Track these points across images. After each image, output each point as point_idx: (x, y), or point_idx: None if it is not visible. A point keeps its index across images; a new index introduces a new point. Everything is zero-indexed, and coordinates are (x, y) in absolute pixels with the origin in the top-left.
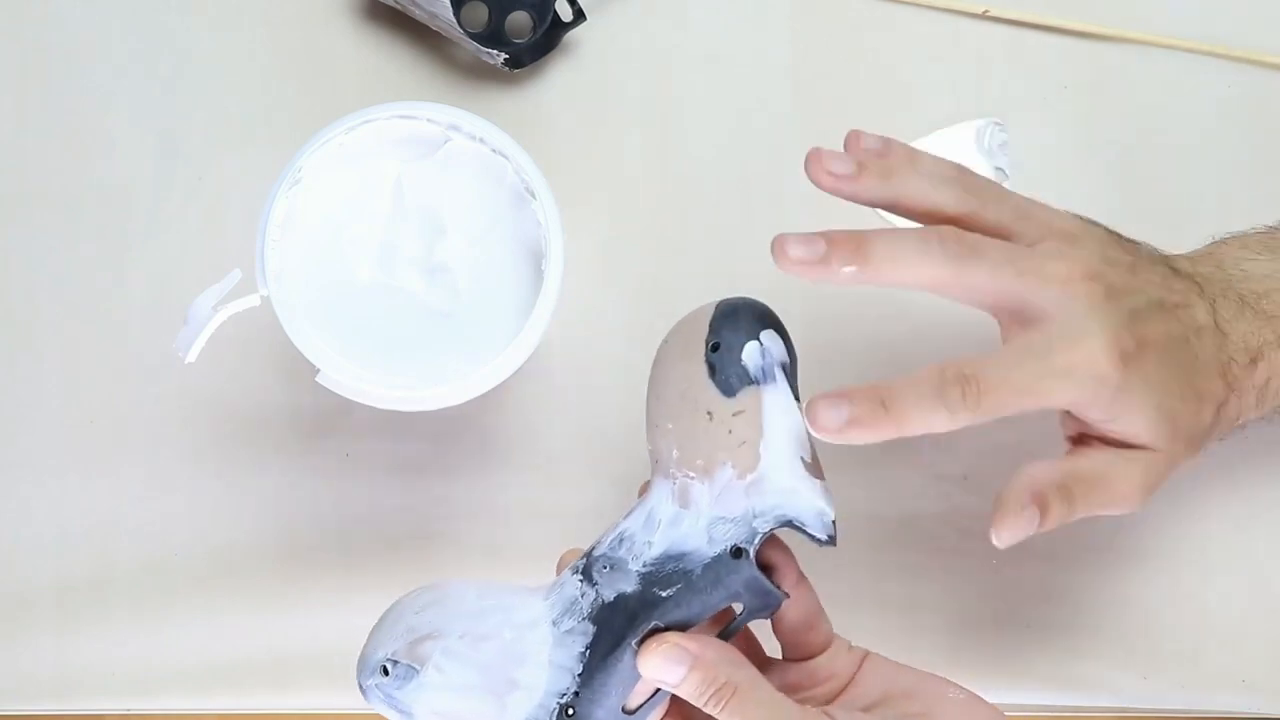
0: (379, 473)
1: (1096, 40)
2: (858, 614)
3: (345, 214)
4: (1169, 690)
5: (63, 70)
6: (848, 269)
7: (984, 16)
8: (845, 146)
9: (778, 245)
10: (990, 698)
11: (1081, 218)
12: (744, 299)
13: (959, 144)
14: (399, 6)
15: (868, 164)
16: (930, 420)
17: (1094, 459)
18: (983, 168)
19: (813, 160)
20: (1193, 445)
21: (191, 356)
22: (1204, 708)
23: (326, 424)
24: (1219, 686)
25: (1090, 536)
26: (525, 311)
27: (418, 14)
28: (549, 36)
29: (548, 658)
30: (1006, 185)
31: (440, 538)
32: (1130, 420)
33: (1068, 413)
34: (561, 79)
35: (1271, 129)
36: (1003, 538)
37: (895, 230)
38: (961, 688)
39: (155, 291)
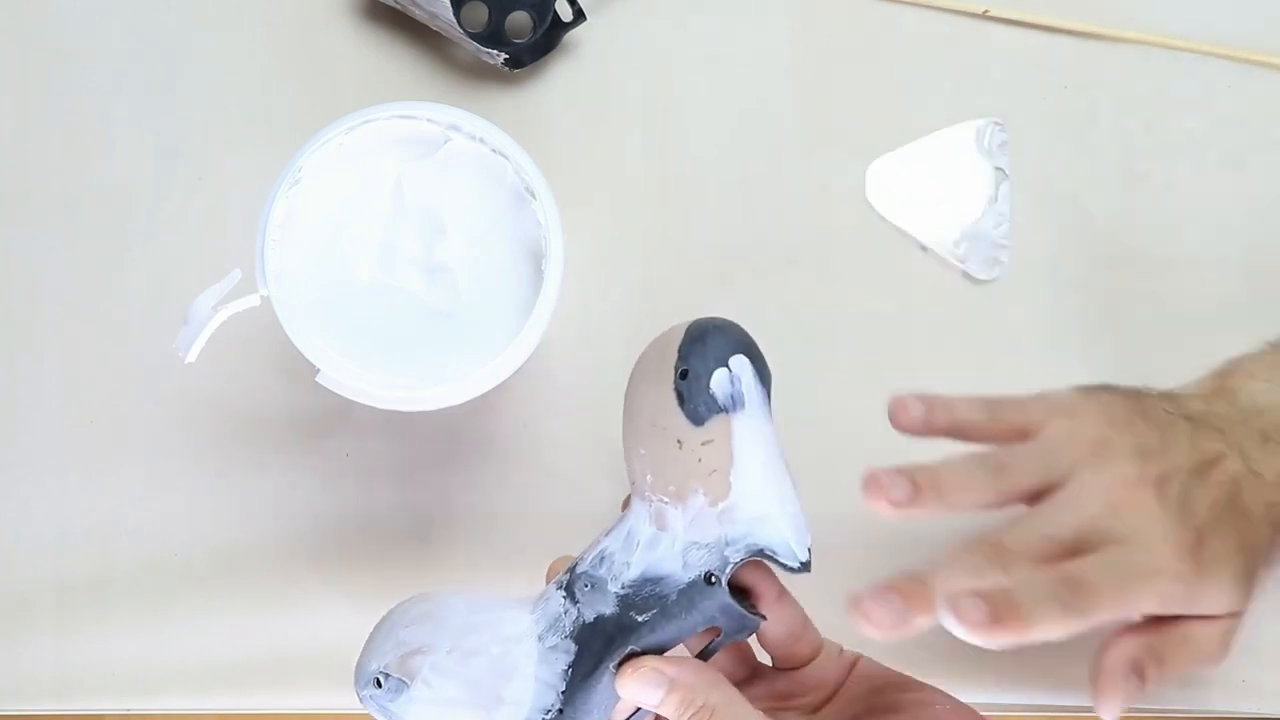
0: (379, 473)
1: (1096, 40)
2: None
3: (345, 214)
4: (1168, 690)
5: (63, 70)
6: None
7: (984, 16)
8: (892, 415)
9: (856, 611)
10: (987, 698)
11: (1091, 398)
12: (714, 322)
13: (959, 144)
14: (399, 6)
15: (920, 482)
16: (1058, 628)
17: (1177, 627)
18: (983, 168)
19: (871, 488)
20: (1261, 589)
21: (191, 356)
22: (1202, 707)
23: (326, 424)
24: (1218, 686)
25: None
26: (525, 311)
27: (418, 14)
28: (549, 36)
29: (534, 673)
30: (1006, 185)
31: (440, 538)
32: (1211, 602)
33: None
34: (561, 79)
35: (1271, 129)
36: (1111, 710)
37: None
38: (950, 697)
39: (155, 291)
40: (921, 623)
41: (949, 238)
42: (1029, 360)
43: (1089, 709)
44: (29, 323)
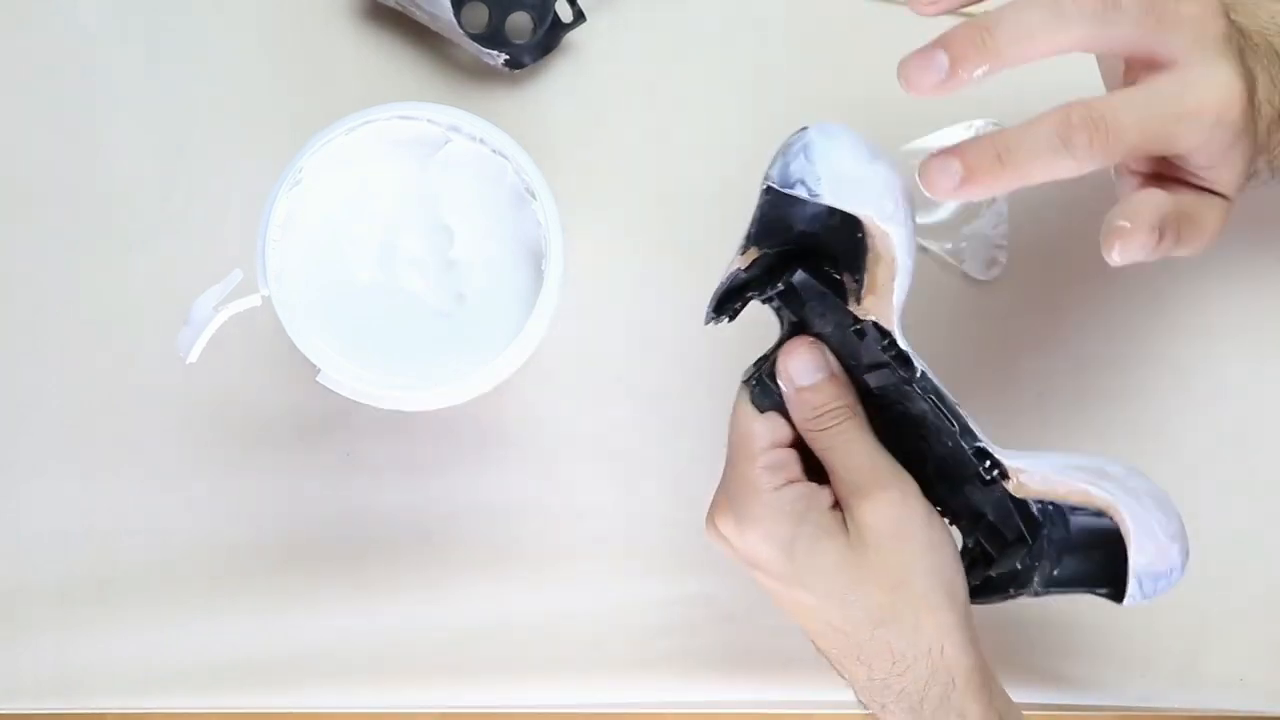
0: (380, 471)
1: None
2: None
3: (346, 214)
4: (1166, 689)
5: (64, 71)
6: (980, 71)
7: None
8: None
9: (902, 76)
10: None
11: None
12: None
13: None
14: (399, 7)
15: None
16: (1054, 167)
17: (1188, 198)
18: None
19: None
20: (1241, 186)
21: (193, 357)
22: (1201, 706)
23: (327, 424)
24: (1216, 685)
25: None
26: (526, 311)
27: (418, 15)
28: (549, 37)
29: None
30: None
31: (440, 537)
32: (1227, 169)
33: (1163, 158)
34: (562, 79)
35: None
36: (1124, 255)
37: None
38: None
39: (156, 292)
40: (980, 74)
41: (948, 238)
42: (1028, 360)
43: (1087, 708)
44: (30, 323)
